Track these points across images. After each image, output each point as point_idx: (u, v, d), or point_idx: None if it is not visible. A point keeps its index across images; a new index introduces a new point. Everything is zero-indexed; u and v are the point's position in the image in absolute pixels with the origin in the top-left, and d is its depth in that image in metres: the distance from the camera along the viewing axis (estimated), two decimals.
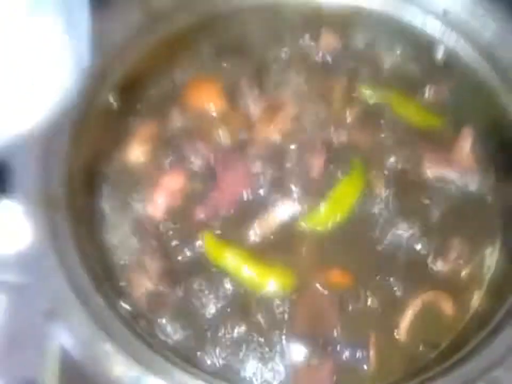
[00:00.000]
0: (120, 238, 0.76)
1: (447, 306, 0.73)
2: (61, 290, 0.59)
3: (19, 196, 0.65)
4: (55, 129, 0.71)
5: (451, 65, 0.89)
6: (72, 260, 0.63)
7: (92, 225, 0.74)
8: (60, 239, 0.64)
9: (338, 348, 0.69)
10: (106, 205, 0.79)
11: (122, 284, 0.73)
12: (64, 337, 0.57)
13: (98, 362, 0.56)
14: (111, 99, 0.82)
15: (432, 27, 0.88)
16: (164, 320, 0.71)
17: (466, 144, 0.85)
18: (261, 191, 0.80)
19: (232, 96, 0.90)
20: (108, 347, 0.57)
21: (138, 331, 0.63)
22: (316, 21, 0.94)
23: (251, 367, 0.69)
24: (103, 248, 0.74)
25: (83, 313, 0.58)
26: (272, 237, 0.77)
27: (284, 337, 0.70)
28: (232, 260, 0.73)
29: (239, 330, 0.70)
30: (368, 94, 0.90)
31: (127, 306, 0.68)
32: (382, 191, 0.81)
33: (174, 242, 0.77)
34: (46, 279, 0.60)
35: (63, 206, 0.67)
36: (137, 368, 0.56)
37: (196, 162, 0.82)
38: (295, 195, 0.80)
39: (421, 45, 0.90)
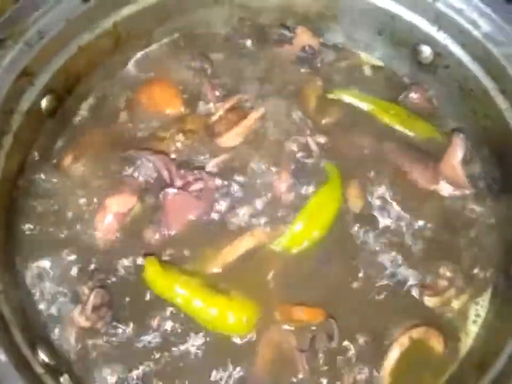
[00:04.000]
0: (49, 265, 0.65)
1: (437, 345, 0.62)
2: None
3: None
4: None
5: (438, 66, 0.78)
6: None
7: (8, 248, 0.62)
8: None
9: None
10: (33, 225, 0.67)
11: (47, 322, 0.61)
12: None
13: None
14: (44, 103, 0.70)
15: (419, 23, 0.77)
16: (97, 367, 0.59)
17: (457, 153, 0.74)
18: (221, 211, 0.69)
19: (191, 98, 0.77)
20: None
21: None
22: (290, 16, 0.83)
23: None
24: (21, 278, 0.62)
25: None
26: (234, 263, 0.66)
27: None
28: (180, 290, 0.61)
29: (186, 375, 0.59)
30: (347, 97, 0.79)
31: (45, 358, 0.56)
32: (361, 208, 0.70)
33: (115, 270, 0.65)
34: None
35: None
36: None
37: (147, 177, 0.70)
38: (261, 213, 0.68)
39: (405, 44, 0.80)
